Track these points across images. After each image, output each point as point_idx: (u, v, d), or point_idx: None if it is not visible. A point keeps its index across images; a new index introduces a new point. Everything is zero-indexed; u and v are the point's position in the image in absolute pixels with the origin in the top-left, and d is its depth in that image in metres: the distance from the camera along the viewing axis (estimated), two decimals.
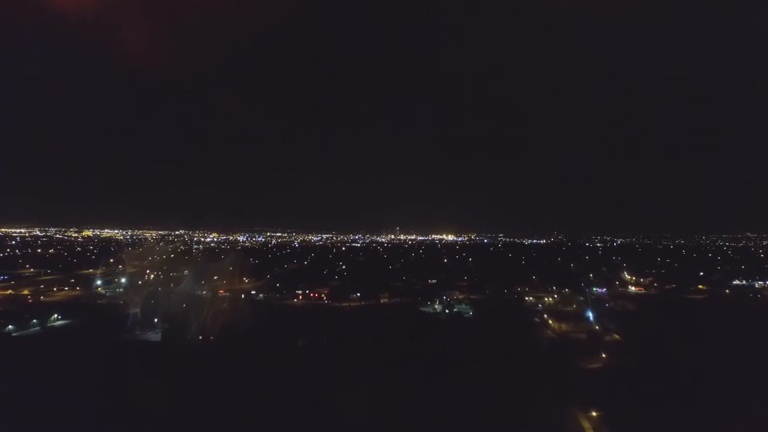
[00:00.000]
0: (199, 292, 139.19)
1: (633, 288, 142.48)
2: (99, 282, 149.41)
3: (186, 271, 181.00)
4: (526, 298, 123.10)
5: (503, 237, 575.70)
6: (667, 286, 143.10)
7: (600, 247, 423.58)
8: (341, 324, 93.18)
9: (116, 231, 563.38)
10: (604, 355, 72.84)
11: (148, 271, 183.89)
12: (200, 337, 79.56)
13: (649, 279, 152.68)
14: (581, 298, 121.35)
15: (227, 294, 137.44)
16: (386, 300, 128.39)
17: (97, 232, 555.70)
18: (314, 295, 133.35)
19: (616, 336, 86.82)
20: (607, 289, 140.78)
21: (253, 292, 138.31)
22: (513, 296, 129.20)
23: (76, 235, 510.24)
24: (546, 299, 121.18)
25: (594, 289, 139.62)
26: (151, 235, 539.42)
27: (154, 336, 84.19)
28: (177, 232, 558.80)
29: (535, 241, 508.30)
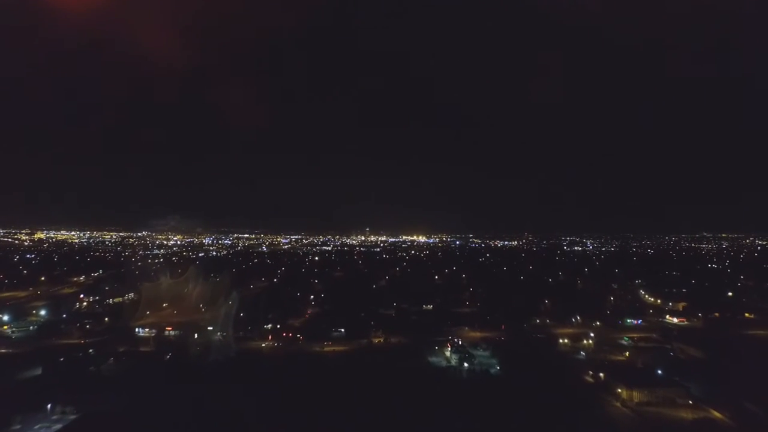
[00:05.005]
0: (140, 331, 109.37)
1: (674, 319, 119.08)
2: (7, 316, 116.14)
3: (131, 294, 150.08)
4: (559, 340, 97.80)
5: (473, 237, 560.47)
6: (709, 315, 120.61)
7: (579, 251, 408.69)
8: (327, 397, 65.10)
9: (73, 233, 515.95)
10: None
11: (82, 296, 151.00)
12: None
13: (683, 304, 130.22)
14: (626, 341, 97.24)
15: (176, 333, 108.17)
16: (379, 340, 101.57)
17: (51, 234, 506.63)
18: (287, 333, 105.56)
19: (717, 414, 62.24)
20: (642, 320, 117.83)
21: (210, 327, 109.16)
22: (538, 334, 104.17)
23: (26, 237, 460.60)
24: (583, 341, 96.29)
25: (627, 320, 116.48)
26: (110, 237, 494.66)
27: None
28: (139, 234, 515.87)
29: (506, 242, 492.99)
